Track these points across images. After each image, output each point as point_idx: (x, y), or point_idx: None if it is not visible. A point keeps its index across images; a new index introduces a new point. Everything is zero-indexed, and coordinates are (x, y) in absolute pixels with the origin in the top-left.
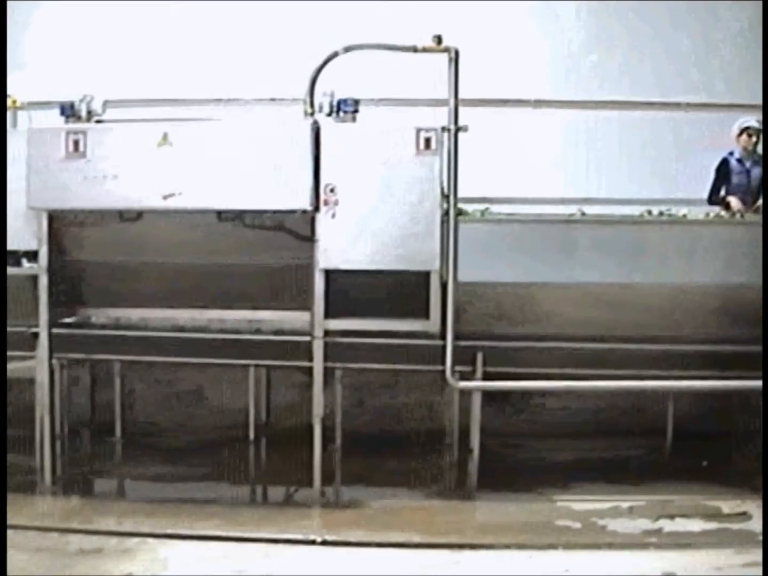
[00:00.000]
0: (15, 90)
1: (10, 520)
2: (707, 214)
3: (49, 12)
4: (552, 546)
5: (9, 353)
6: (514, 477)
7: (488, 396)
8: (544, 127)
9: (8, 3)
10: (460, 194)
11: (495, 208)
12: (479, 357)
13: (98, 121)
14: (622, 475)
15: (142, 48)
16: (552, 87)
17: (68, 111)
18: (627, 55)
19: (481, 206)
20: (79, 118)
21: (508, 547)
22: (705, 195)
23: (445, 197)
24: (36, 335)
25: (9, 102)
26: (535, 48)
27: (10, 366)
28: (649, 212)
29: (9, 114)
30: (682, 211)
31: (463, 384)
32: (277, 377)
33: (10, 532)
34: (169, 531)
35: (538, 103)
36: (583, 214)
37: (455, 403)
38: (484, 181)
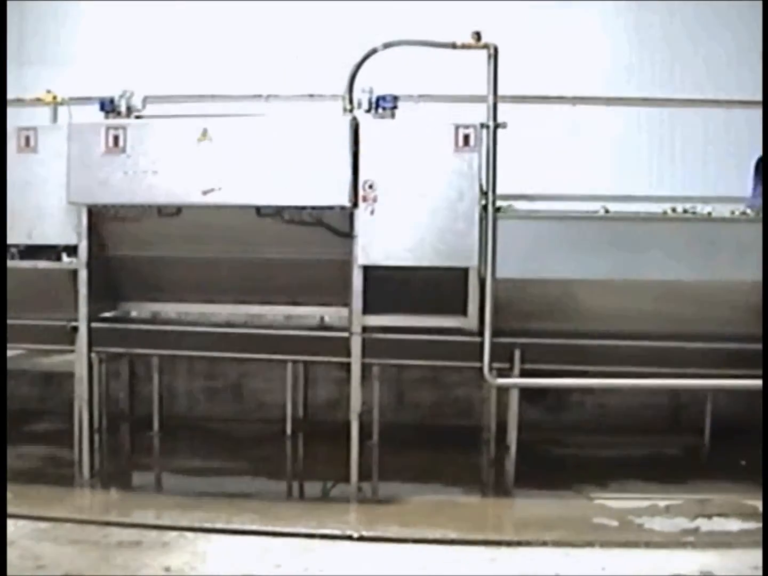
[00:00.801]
0: (55, 86)
1: (50, 512)
2: (732, 212)
3: (89, 8)
4: (589, 544)
5: (50, 347)
6: (551, 474)
7: (525, 392)
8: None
9: (52, 2)
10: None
11: (518, 205)
12: (517, 354)
13: (138, 117)
14: (660, 474)
15: (181, 44)
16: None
17: (108, 106)
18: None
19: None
20: (118, 114)
21: (544, 544)
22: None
23: (484, 194)
24: (76, 329)
25: (49, 98)
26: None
27: (52, 360)
28: (674, 209)
29: (49, 110)
30: (707, 209)
31: (501, 381)
32: (315, 373)
33: (49, 525)
34: (207, 525)
35: (576, 100)
36: (607, 211)
37: (492, 400)
38: (506, 178)
